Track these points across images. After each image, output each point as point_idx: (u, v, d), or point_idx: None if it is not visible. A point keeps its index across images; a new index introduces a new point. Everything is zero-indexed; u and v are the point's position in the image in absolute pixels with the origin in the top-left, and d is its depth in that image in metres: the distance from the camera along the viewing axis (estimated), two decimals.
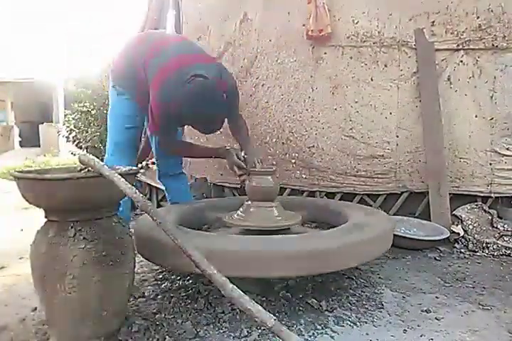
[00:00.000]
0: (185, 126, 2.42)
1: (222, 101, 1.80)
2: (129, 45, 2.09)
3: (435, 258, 2.33)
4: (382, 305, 1.69)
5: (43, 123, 11.72)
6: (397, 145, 2.76)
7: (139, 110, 2.06)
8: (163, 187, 3.18)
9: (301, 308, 1.63)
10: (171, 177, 2.43)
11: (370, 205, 2.79)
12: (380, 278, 2.01)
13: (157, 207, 3.12)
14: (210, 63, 2.01)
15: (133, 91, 2.04)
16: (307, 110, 2.81)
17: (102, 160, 1.48)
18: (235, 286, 1.10)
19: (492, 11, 2.60)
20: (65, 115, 5.69)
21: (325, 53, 2.76)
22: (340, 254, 1.53)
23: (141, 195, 1.23)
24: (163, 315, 1.58)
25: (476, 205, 2.65)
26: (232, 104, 2.00)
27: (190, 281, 1.91)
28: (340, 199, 2.81)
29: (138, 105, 2.04)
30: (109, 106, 2.16)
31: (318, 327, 1.50)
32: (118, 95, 2.09)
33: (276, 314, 1.57)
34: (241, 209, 1.94)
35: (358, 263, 1.69)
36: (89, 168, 1.34)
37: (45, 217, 1.38)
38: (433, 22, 2.66)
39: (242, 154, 2.01)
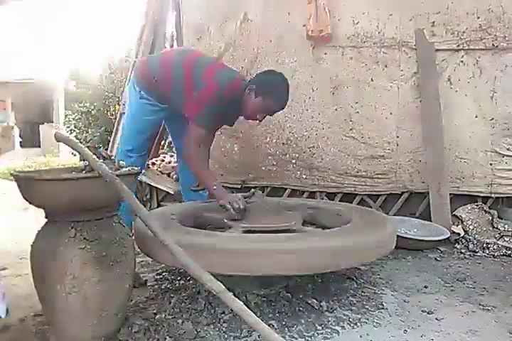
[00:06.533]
0: None
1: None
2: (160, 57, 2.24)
3: (436, 259, 2.33)
4: (383, 305, 1.69)
5: (43, 123, 11.71)
6: (398, 145, 2.76)
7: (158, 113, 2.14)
8: (163, 188, 3.19)
9: (301, 308, 1.62)
10: (193, 193, 2.34)
11: (371, 206, 2.79)
12: (380, 278, 2.01)
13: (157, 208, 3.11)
14: None
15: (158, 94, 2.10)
16: (307, 110, 2.81)
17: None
18: (187, 257, 1.20)
19: (492, 11, 2.61)
20: (66, 115, 5.72)
21: (325, 54, 2.76)
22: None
23: (96, 158, 1.30)
24: (163, 316, 1.58)
25: (477, 205, 2.66)
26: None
27: (191, 281, 1.91)
28: (340, 200, 2.81)
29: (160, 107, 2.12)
30: (118, 107, 2.18)
31: (319, 327, 1.50)
32: (141, 99, 2.12)
33: (277, 314, 1.57)
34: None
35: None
36: (91, 168, 1.34)
37: (46, 217, 1.38)
38: (433, 22, 2.66)
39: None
